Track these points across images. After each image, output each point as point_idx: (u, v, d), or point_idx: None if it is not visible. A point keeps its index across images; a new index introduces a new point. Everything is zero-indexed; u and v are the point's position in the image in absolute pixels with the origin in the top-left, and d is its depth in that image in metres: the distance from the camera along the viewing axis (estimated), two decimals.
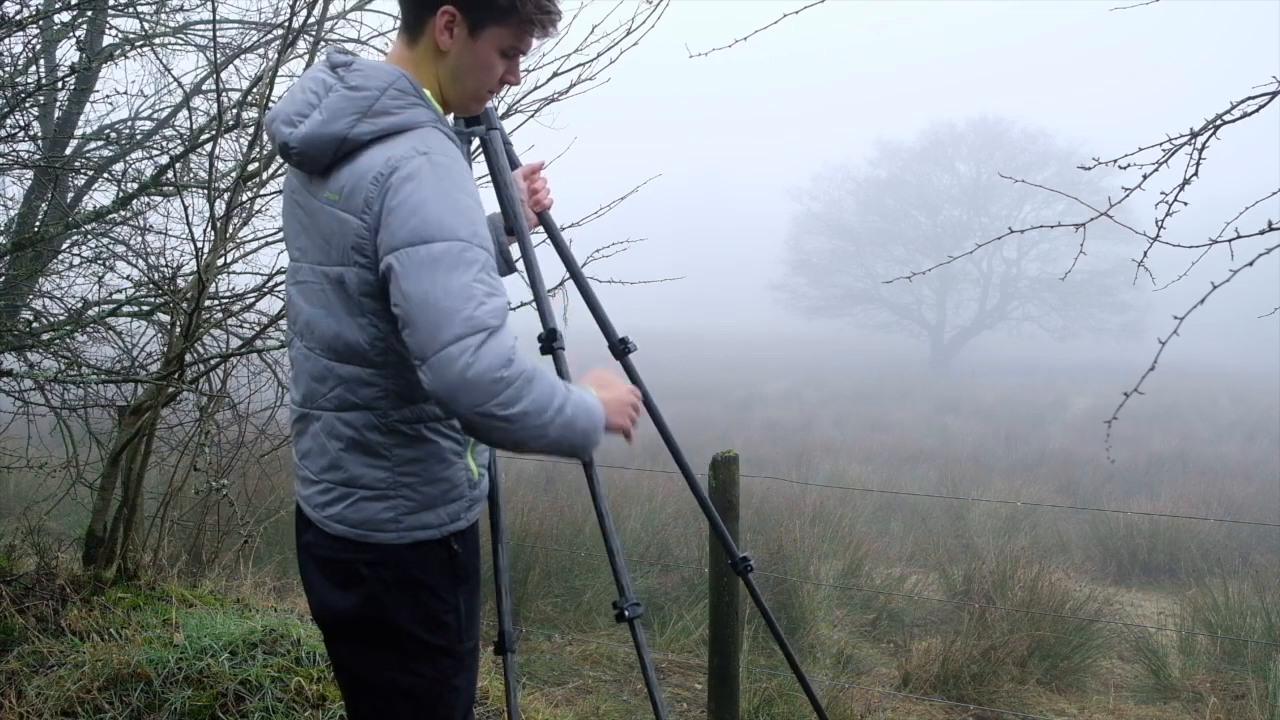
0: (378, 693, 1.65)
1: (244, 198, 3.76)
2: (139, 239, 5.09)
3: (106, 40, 5.39)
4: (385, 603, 1.60)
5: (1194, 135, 2.50)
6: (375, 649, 1.63)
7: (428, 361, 1.42)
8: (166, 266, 4.80)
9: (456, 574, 1.65)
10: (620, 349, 2.16)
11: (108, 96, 4.75)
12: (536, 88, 3.90)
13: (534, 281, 1.95)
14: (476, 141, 2.01)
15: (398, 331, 1.50)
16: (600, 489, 1.97)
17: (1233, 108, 2.45)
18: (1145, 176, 2.57)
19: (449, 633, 1.65)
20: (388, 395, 1.56)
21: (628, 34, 3.59)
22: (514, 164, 2.05)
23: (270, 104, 3.87)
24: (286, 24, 3.74)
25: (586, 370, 1.75)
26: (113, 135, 5.59)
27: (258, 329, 4.25)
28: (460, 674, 1.68)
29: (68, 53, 5.30)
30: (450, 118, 1.81)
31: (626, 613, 1.94)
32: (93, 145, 5.49)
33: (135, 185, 4.42)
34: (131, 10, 5.16)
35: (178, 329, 3.85)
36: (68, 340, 4.66)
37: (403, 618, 1.60)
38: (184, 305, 3.80)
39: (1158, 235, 2.56)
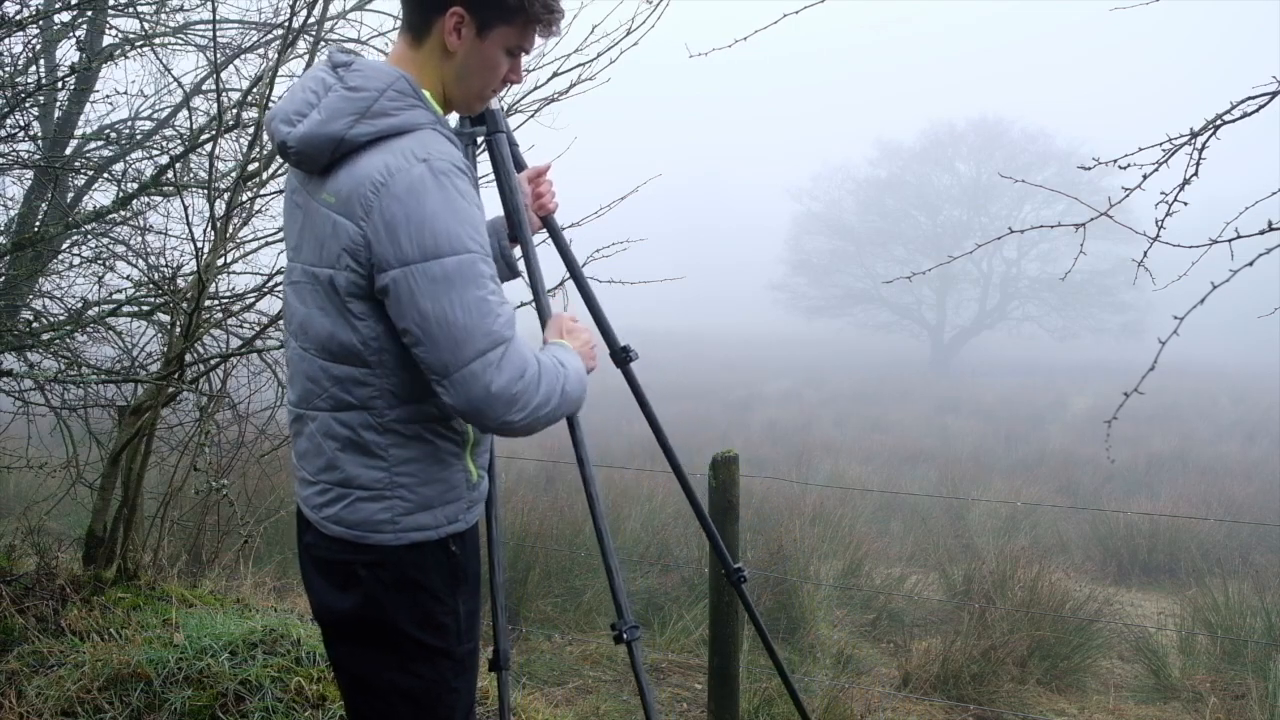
0: (376, 694, 1.65)
1: (244, 198, 3.76)
2: (139, 239, 5.09)
3: (106, 40, 5.39)
4: (383, 604, 1.60)
5: (1194, 135, 2.50)
6: (374, 650, 1.63)
7: (449, 378, 1.47)
8: (166, 266, 4.81)
9: (455, 576, 1.65)
10: (621, 357, 2.15)
11: (108, 96, 4.75)
12: (536, 88, 3.90)
13: (535, 288, 1.96)
14: (479, 140, 2.01)
15: (390, 332, 1.52)
16: (600, 507, 1.98)
17: (1233, 108, 2.45)
18: (1145, 176, 2.56)
19: (447, 634, 1.64)
20: (383, 395, 1.56)
21: (628, 34, 3.59)
22: (520, 166, 2.05)
23: (270, 104, 3.87)
24: (286, 24, 3.74)
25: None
26: (113, 135, 5.59)
27: (258, 329, 4.25)
28: (459, 676, 1.68)
29: (68, 53, 5.30)
30: (455, 117, 1.80)
31: (625, 635, 1.95)
32: (93, 145, 5.49)
33: (135, 185, 4.42)
34: (131, 10, 5.16)
35: (178, 329, 3.85)
36: (68, 340, 4.66)
37: (401, 619, 1.60)
38: (184, 305, 3.80)
39: (1158, 235, 2.56)
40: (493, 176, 1.95)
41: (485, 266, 1.49)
